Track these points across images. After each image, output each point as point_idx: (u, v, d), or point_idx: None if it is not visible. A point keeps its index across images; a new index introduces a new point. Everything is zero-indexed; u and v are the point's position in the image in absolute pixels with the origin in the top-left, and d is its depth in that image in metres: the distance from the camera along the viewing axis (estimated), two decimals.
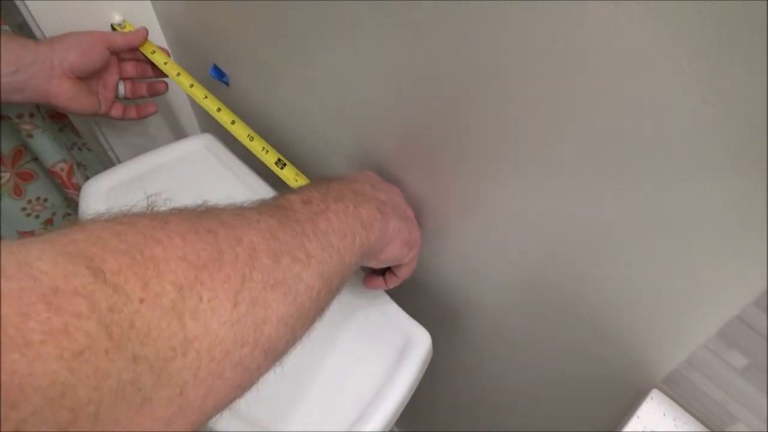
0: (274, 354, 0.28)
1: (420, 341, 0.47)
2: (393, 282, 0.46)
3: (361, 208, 0.37)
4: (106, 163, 0.81)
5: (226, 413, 0.27)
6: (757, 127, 0.23)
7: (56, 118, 0.71)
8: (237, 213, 0.30)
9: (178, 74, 0.60)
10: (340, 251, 0.33)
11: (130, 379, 0.20)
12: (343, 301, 0.49)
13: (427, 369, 0.48)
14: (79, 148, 0.76)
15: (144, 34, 0.61)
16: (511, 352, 0.51)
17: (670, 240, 0.30)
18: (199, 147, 0.64)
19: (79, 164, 0.75)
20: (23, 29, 0.63)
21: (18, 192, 0.73)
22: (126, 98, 0.64)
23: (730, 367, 0.31)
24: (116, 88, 0.62)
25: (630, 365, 0.38)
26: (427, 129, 0.40)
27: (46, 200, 0.77)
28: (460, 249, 0.47)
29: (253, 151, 0.54)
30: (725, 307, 0.29)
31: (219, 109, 0.57)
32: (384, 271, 0.47)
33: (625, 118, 0.27)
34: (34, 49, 0.53)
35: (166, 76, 0.62)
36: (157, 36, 0.71)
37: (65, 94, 0.55)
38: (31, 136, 0.66)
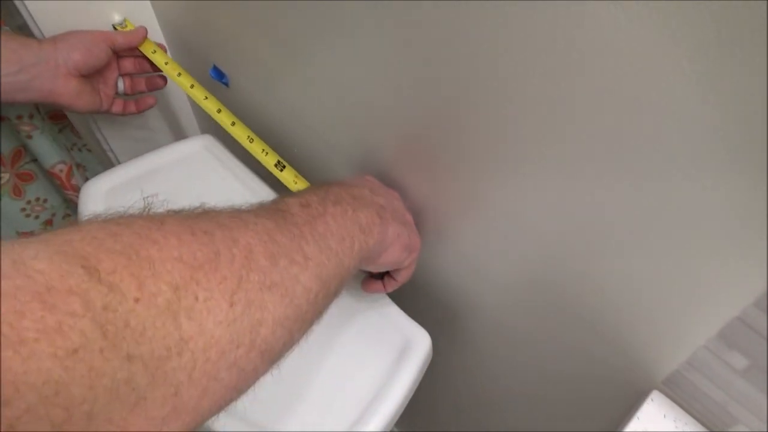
0: (271, 356, 0.28)
1: (420, 342, 0.47)
2: (392, 286, 0.46)
3: (359, 212, 0.37)
4: (106, 164, 0.80)
5: (224, 414, 0.27)
6: (758, 127, 0.23)
7: (56, 118, 0.71)
8: (234, 215, 0.30)
9: (179, 75, 0.60)
10: (339, 254, 0.33)
11: (124, 379, 0.20)
12: (343, 302, 0.49)
13: (427, 369, 0.48)
14: (79, 149, 0.76)
15: (143, 33, 0.61)
16: (511, 353, 0.51)
17: (670, 240, 0.30)
18: (198, 148, 0.64)
19: (78, 165, 0.75)
20: (23, 30, 0.63)
21: (17, 192, 0.73)
22: (126, 94, 0.64)
23: (730, 368, 0.31)
24: (116, 84, 0.63)
25: (630, 366, 0.38)
26: (426, 129, 0.40)
27: (45, 201, 0.77)
28: (459, 249, 0.47)
29: (253, 153, 0.54)
30: (726, 308, 0.29)
31: (219, 111, 0.57)
32: (383, 275, 0.47)
33: (624, 118, 0.27)
34: (37, 49, 0.53)
35: (158, 69, 0.63)
36: (157, 37, 0.71)
37: (70, 92, 0.56)
38: (30, 137, 0.66)
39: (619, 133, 0.28)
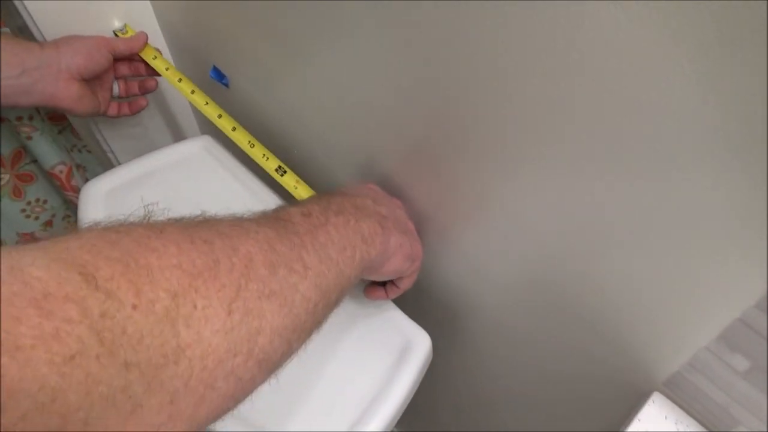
0: (269, 365, 0.28)
1: (420, 343, 0.47)
2: (394, 293, 0.46)
3: (362, 222, 0.37)
4: (106, 165, 0.80)
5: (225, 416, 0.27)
6: (758, 127, 0.22)
7: (56, 120, 0.71)
8: (235, 223, 0.30)
9: (180, 80, 0.60)
10: (339, 264, 0.33)
11: (121, 386, 0.20)
12: (343, 304, 0.48)
13: (427, 370, 0.48)
14: (79, 150, 0.76)
15: (144, 39, 0.61)
16: (511, 353, 0.51)
17: (670, 241, 0.29)
18: (198, 149, 0.64)
19: (78, 166, 0.75)
20: (23, 32, 0.63)
21: (18, 193, 0.73)
22: (120, 97, 0.64)
23: (732, 369, 0.31)
24: (112, 87, 0.63)
25: (631, 367, 0.38)
26: (426, 129, 0.40)
27: (45, 202, 0.77)
28: (460, 249, 0.47)
29: (254, 158, 0.55)
30: (727, 310, 0.29)
31: (220, 116, 0.57)
32: (385, 282, 0.47)
33: (624, 118, 0.27)
34: (39, 53, 0.53)
35: (159, 74, 0.63)
36: (157, 38, 0.71)
37: (71, 96, 0.56)
38: (30, 138, 0.66)
39: (619, 133, 0.28)
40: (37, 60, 0.53)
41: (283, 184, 0.53)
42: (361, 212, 0.38)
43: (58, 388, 0.18)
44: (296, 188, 0.52)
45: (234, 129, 0.56)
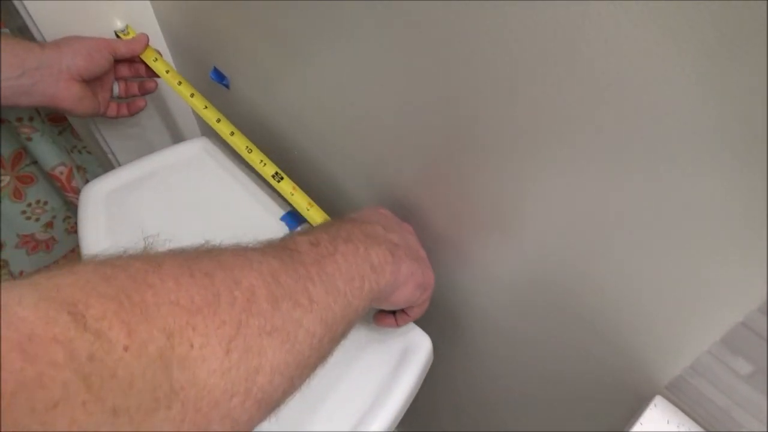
0: (268, 404, 0.27)
1: (420, 346, 0.47)
2: (404, 321, 0.45)
3: (371, 250, 0.36)
4: (106, 166, 0.80)
5: None
6: (762, 128, 0.22)
7: (56, 121, 0.71)
8: (239, 253, 0.29)
9: (179, 83, 0.60)
10: (347, 296, 0.32)
11: None
12: None
13: (427, 371, 0.47)
14: (79, 151, 0.76)
15: (145, 41, 0.61)
16: (512, 355, 0.51)
17: (673, 243, 0.29)
18: (198, 150, 0.64)
19: (79, 167, 0.75)
20: (23, 32, 0.63)
21: (18, 195, 0.73)
22: (120, 97, 0.64)
23: (734, 373, 0.31)
24: (112, 88, 0.63)
25: (633, 370, 0.38)
26: (427, 132, 0.40)
27: (46, 203, 0.77)
28: (460, 251, 0.47)
29: (251, 163, 0.55)
30: (730, 313, 0.29)
31: (218, 120, 0.57)
32: (395, 310, 0.46)
33: (625, 119, 0.27)
34: (39, 53, 0.53)
35: (159, 76, 0.63)
36: (157, 39, 0.71)
37: (72, 97, 0.56)
38: (30, 139, 0.66)
39: (621, 134, 0.28)
40: (37, 61, 0.53)
41: (280, 191, 0.53)
42: (371, 240, 0.37)
43: None
44: (293, 195, 0.52)
45: (232, 134, 0.56)
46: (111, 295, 0.22)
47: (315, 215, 0.52)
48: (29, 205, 0.75)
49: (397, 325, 0.45)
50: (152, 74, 0.64)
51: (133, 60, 0.63)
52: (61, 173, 0.70)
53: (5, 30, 0.59)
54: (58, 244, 0.83)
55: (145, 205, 0.57)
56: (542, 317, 0.43)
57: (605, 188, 0.30)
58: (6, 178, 0.70)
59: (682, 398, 0.35)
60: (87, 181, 0.61)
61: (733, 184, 0.25)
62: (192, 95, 0.59)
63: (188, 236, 0.54)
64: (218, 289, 0.25)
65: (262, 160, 0.54)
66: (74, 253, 0.86)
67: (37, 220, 0.78)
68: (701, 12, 0.21)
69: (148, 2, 0.68)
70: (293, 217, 0.56)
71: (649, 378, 0.37)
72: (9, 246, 0.77)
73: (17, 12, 0.59)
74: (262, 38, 0.52)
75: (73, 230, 0.83)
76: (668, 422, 0.35)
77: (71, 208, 0.79)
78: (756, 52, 0.20)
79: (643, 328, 0.35)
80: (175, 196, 0.59)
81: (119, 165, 0.79)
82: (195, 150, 0.64)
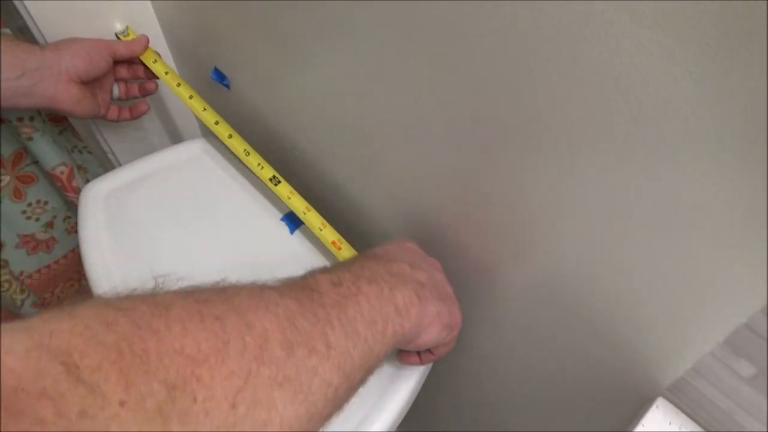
0: None
1: None
2: (428, 360, 0.43)
3: (396, 291, 0.34)
4: (107, 166, 0.80)
5: None
6: (761, 128, 0.22)
7: (56, 121, 0.71)
8: (255, 293, 0.28)
9: (179, 85, 0.60)
10: (368, 341, 0.30)
11: None
12: None
13: (428, 371, 0.47)
14: (80, 151, 0.76)
15: (144, 42, 0.61)
16: (513, 355, 0.51)
17: (676, 245, 0.29)
18: (199, 150, 0.64)
19: (79, 167, 0.75)
20: (24, 32, 0.62)
21: (18, 195, 0.73)
22: (120, 99, 0.64)
23: (737, 375, 0.31)
24: (111, 89, 0.63)
25: (635, 372, 0.38)
26: (428, 134, 0.40)
27: (46, 203, 0.77)
28: (461, 253, 0.47)
29: (249, 166, 0.55)
30: (733, 315, 0.28)
31: (217, 122, 0.57)
32: None
33: (627, 119, 0.27)
34: (39, 55, 0.53)
35: (158, 78, 0.63)
36: (158, 39, 0.71)
37: (71, 98, 0.56)
38: (31, 139, 0.66)
39: (622, 135, 0.27)
40: (37, 62, 0.53)
41: (277, 194, 0.53)
42: (396, 279, 0.35)
43: None
44: (290, 198, 0.52)
45: (230, 136, 0.56)
46: (110, 342, 0.20)
47: (312, 219, 0.52)
48: (29, 205, 0.75)
49: (421, 363, 0.43)
50: (151, 75, 0.64)
51: (133, 61, 0.63)
52: (62, 173, 0.70)
53: (5, 30, 0.59)
54: (58, 244, 0.83)
55: (146, 205, 0.57)
56: (543, 318, 0.43)
57: (606, 189, 0.30)
58: (6, 178, 0.70)
59: (684, 400, 0.35)
60: (88, 181, 0.61)
61: (735, 185, 0.25)
62: (191, 97, 0.59)
63: (188, 236, 0.55)
64: (229, 336, 0.24)
65: (259, 164, 0.54)
66: (74, 253, 0.86)
67: (38, 220, 0.78)
68: (703, 12, 0.21)
69: (149, 2, 0.67)
70: (293, 217, 0.56)
71: (651, 379, 0.37)
72: (9, 246, 0.77)
73: (17, 12, 0.59)
74: (263, 38, 0.52)
75: (73, 230, 0.83)
76: (670, 424, 0.35)
77: (71, 208, 0.79)
78: (757, 51, 0.20)
79: (645, 329, 0.35)
80: (175, 196, 0.59)
81: (120, 165, 0.79)
82: (195, 150, 0.64)
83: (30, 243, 0.79)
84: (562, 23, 0.26)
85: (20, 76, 0.52)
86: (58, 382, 0.18)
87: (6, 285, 0.77)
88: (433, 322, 0.36)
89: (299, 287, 0.30)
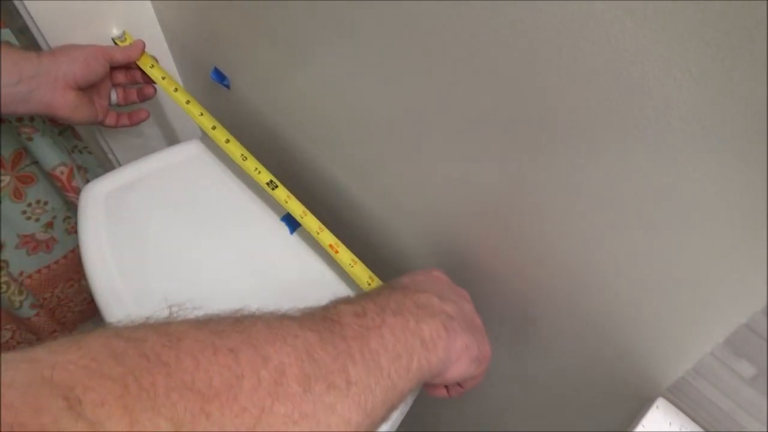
0: None
1: None
2: (457, 393, 0.41)
3: (423, 323, 0.32)
4: (107, 166, 0.80)
5: None
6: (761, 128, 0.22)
7: (56, 121, 0.70)
8: (273, 324, 0.27)
9: (176, 89, 0.60)
10: (391, 376, 0.29)
11: None
12: None
13: None
14: (80, 152, 0.76)
15: (141, 48, 0.61)
16: (514, 355, 0.51)
17: (676, 246, 0.29)
18: (198, 151, 0.64)
19: (79, 167, 0.75)
20: (24, 33, 0.62)
21: (18, 195, 0.73)
22: (118, 105, 0.64)
23: (737, 375, 0.31)
24: (109, 95, 0.63)
25: (635, 372, 0.38)
26: (426, 134, 0.40)
27: (46, 203, 0.77)
28: (463, 255, 0.47)
29: (246, 171, 0.55)
30: (733, 315, 0.28)
31: (214, 127, 0.58)
32: None
33: (627, 121, 0.27)
34: (36, 61, 0.53)
35: (155, 82, 0.62)
36: (159, 39, 0.71)
37: (69, 105, 0.56)
38: (31, 139, 0.66)
39: (623, 135, 0.27)
40: (34, 69, 0.53)
41: (275, 198, 0.53)
42: (423, 311, 0.33)
43: None
44: (287, 202, 0.53)
45: (227, 141, 0.56)
46: (116, 376, 0.19)
47: (310, 222, 0.52)
48: (29, 205, 0.75)
49: (449, 396, 0.41)
50: (148, 80, 0.64)
51: (130, 66, 0.63)
52: (62, 173, 0.70)
53: (6, 31, 0.59)
54: (58, 244, 0.83)
55: (146, 206, 0.57)
56: (544, 318, 0.43)
57: (606, 189, 0.30)
58: (6, 178, 0.70)
59: (684, 400, 0.35)
60: (88, 181, 0.61)
61: (736, 185, 0.25)
62: (188, 102, 0.59)
63: (189, 236, 0.55)
64: (243, 369, 0.23)
65: (256, 168, 0.54)
66: (74, 253, 0.86)
67: (37, 220, 0.77)
68: (703, 12, 0.21)
69: (149, 2, 0.67)
70: (293, 218, 0.56)
71: (652, 379, 0.37)
72: (9, 246, 0.77)
73: (18, 13, 0.59)
74: (263, 38, 0.52)
75: (74, 230, 0.83)
76: (670, 424, 0.35)
77: (71, 208, 0.79)
78: (757, 51, 0.20)
79: (645, 330, 0.35)
80: (175, 196, 0.59)
81: (119, 165, 0.79)
82: (195, 151, 0.64)
83: (30, 243, 0.79)
84: (562, 23, 0.26)
85: (17, 82, 0.52)
86: (58, 419, 0.17)
87: (5, 287, 0.77)
88: (461, 355, 0.35)
89: (320, 318, 0.29)
